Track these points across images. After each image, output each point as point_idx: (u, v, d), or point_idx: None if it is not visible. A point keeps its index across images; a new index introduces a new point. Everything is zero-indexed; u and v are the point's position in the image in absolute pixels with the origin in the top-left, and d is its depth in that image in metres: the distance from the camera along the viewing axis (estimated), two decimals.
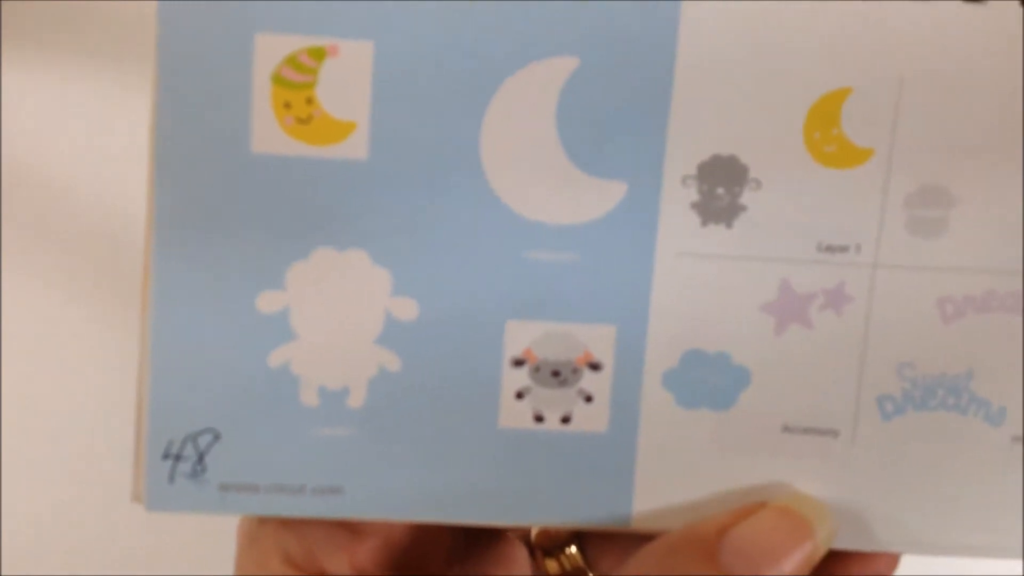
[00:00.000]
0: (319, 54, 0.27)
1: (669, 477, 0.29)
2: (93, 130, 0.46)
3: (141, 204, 0.45)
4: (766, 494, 0.29)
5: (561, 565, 0.37)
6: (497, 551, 0.36)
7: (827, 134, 0.28)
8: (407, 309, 0.28)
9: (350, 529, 0.31)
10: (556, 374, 0.29)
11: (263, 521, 0.31)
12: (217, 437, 0.28)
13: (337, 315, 0.28)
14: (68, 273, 0.49)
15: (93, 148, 0.47)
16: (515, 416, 0.29)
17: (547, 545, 0.37)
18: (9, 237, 0.48)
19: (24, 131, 0.47)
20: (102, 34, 0.46)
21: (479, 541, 0.36)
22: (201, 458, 0.28)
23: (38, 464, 0.51)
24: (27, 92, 0.47)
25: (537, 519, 0.29)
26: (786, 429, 0.29)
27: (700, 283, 0.28)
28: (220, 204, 0.27)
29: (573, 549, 0.37)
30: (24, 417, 0.50)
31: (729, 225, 0.28)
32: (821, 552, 0.28)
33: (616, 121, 0.27)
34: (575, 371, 0.29)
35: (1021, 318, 0.28)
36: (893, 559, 0.31)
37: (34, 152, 0.48)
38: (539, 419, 0.29)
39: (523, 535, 0.37)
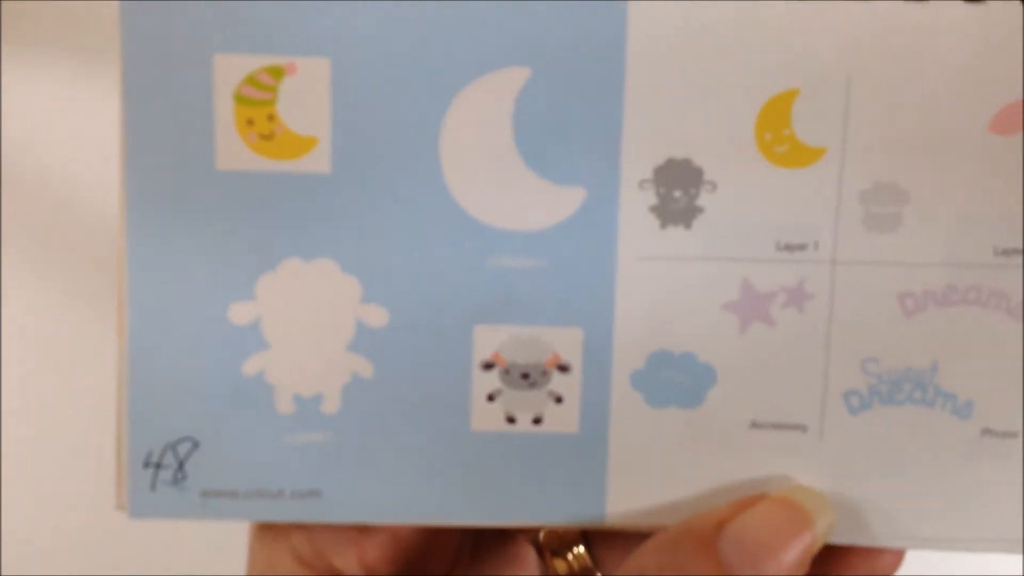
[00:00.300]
0: (278, 72, 0.28)
1: (641, 475, 0.30)
2: (93, 130, 0.47)
3: None
4: (757, 487, 0.29)
5: (569, 565, 0.37)
6: (505, 551, 0.37)
7: (778, 135, 0.28)
8: (377, 316, 0.29)
9: (359, 527, 0.31)
10: (526, 376, 0.29)
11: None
12: (196, 445, 0.29)
13: (308, 323, 0.29)
14: (68, 273, 0.50)
15: (93, 148, 0.48)
16: (487, 418, 0.29)
17: (555, 545, 0.38)
18: (9, 237, 0.49)
19: (24, 131, 0.48)
20: (102, 34, 0.47)
21: (487, 541, 0.36)
22: (181, 466, 0.29)
23: (38, 464, 0.52)
24: (27, 92, 0.48)
25: (512, 519, 0.30)
26: (754, 425, 0.29)
27: (663, 284, 0.29)
28: (189, 219, 0.28)
29: (581, 549, 0.38)
30: (24, 417, 0.51)
31: (688, 227, 0.28)
32: (820, 544, 0.28)
33: (571, 127, 0.28)
34: (544, 373, 0.29)
35: (985, 311, 0.29)
36: (896, 557, 0.31)
37: (34, 152, 0.49)
38: (511, 420, 0.30)
39: (531, 535, 0.38)
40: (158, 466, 0.29)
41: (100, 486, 0.51)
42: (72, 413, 0.51)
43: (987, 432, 0.29)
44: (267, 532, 0.31)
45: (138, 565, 0.52)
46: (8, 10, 0.44)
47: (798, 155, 0.28)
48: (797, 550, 0.28)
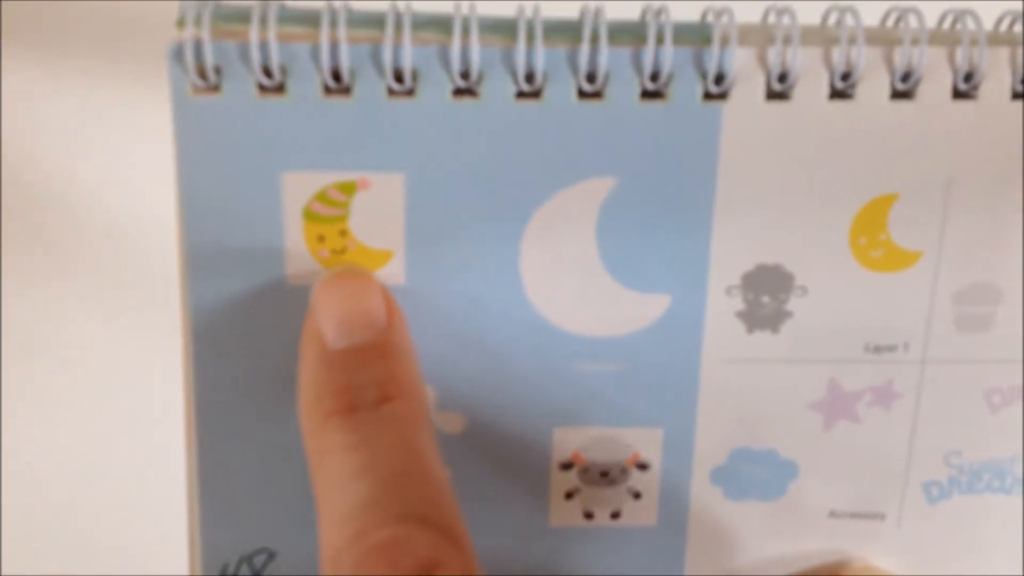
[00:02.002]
0: (350, 188, 0.26)
1: (719, 564, 0.30)
2: (93, 130, 0.45)
3: (142, 204, 0.45)
4: (836, 569, 0.30)
5: None
6: None
7: (874, 239, 0.27)
8: (453, 423, 0.28)
9: None
10: (605, 475, 0.29)
11: None
12: (272, 556, 0.28)
13: None
14: (68, 273, 0.48)
15: (93, 148, 0.46)
16: (565, 515, 0.29)
17: None
18: (9, 237, 0.47)
19: (24, 131, 0.46)
20: (102, 34, 0.45)
21: None
22: None
23: (38, 464, 0.52)
24: (27, 92, 0.46)
25: None
26: (833, 514, 0.29)
27: (747, 386, 0.28)
28: (260, 337, 0.27)
29: None
30: (24, 417, 0.50)
31: (775, 331, 0.28)
32: None
33: (658, 236, 0.27)
34: (623, 471, 0.29)
35: None
36: None
37: (34, 152, 0.47)
38: (589, 516, 0.29)
39: None
40: None
41: (101, 486, 0.50)
42: (72, 413, 0.50)
43: None
44: None
45: (139, 565, 0.52)
46: (8, 10, 0.42)
47: (894, 259, 0.27)
48: None
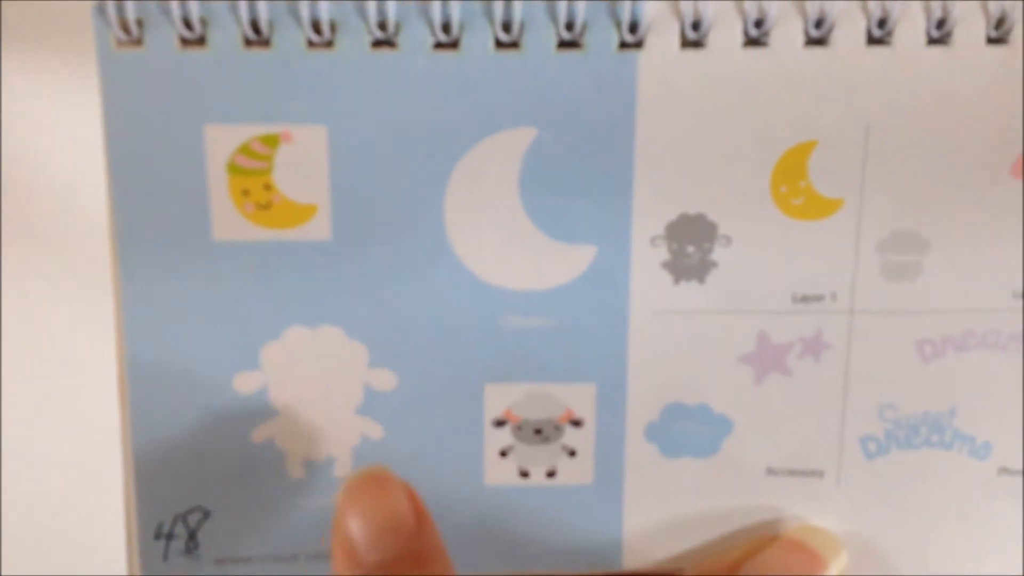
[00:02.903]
0: (272, 141, 0.26)
1: (657, 523, 0.29)
2: (93, 130, 0.46)
3: None
4: (771, 528, 0.29)
5: None
6: None
7: (795, 187, 0.27)
8: (385, 380, 0.28)
9: None
10: (538, 432, 0.29)
11: None
12: (207, 514, 0.29)
13: (316, 390, 0.28)
14: (68, 273, 0.49)
15: (93, 148, 0.47)
16: (500, 473, 0.29)
17: None
18: (9, 237, 0.48)
19: (24, 131, 0.47)
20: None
21: None
22: (193, 535, 0.29)
23: (38, 464, 0.52)
24: (27, 92, 0.47)
25: (529, 569, 0.30)
26: (770, 472, 0.29)
27: (676, 338, 0.28)
28: (188, 292, 0.27)
29: None
30: (24, 417, 0.51)
31: (702, 281, 0.28)
32: None
33: (580, 186, 0.27)
34: (557, 428, 0.29)
35: (1003, 353, 0.28)
36: None
37: (34, 152, 0.48)
38: (524, 475, 0.29)
39: None
40: (170, 536, 0.29)
41: (101, 486, 0.51)
42: (72, 413, 0.50)
43: (1004, 471, 0.29)
44: None
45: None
46: (8, 10, 0.43)
47: (815, 207, 0.27)
48: None
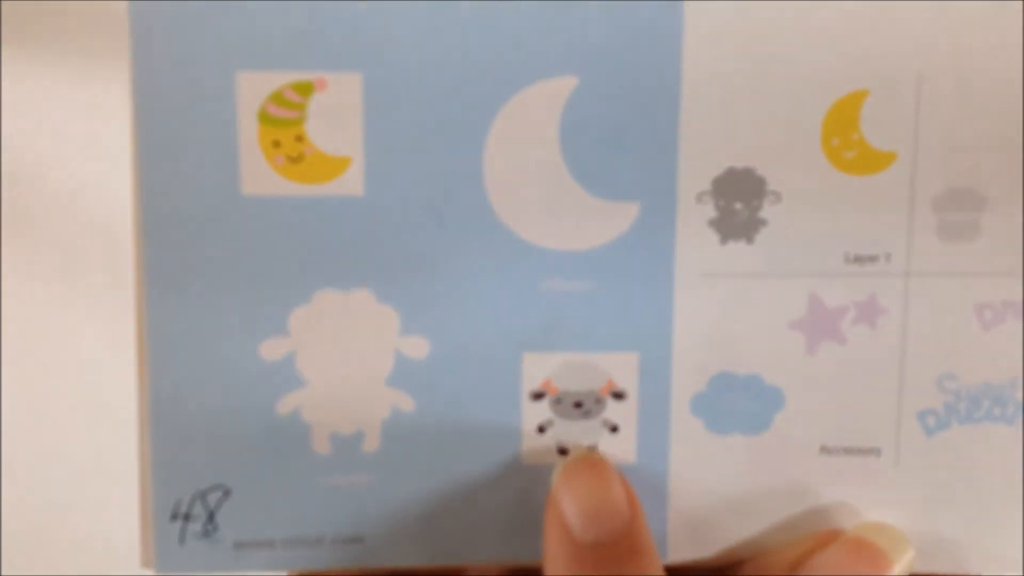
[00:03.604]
0: (306, 88, 0.25)
1: (703, 506, 0.28)
2: (94, 130, 0.46)
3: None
4: (828, 517, 0.28)
5: None
6: None
7: (847, 139, 0.26)
8: (417, 348, 0.27)
9: None
10: (579, 405, 0.27)
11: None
12: (227, 493, 0.27)
13: (345, 358, 0.27)
14: (68, 273, 0.48)
15: (94, 148, 0.46)
16: (538, 451, 0.27)
17: None
18: (9, 237, 0.47)
19: (24, 131, 0.47)
20: (102, 34, 0.45)
21: None
22: (212, 516, 0.27)
23: (38, 464, 0.50)
24: (27, 92, 0.46)
25: None
26: (824, 450, 0.27)
27: (724, 303, 0.27)
28: (213, 251, 0.26)
29: None
30: (24, 417, 0.49)
31: (750, 241, 0.27)
32: None
33: (623, 139, 0.26)
34: (598, 401, 0.27)
35: None
36: None
37: (34, 152, 0.47)
38: (563, 452, 0.28)
39: None
40: (187, 518, 0.27)
41: (101, 486, 0.49)
42: (72, 413, 0.49)
43: None
44: None
45: (139, 565, 0.51)
46: (8, 10, 0.42)
47: (868, 161, 0.26)
48: None
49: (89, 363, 0.48)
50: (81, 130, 0.45)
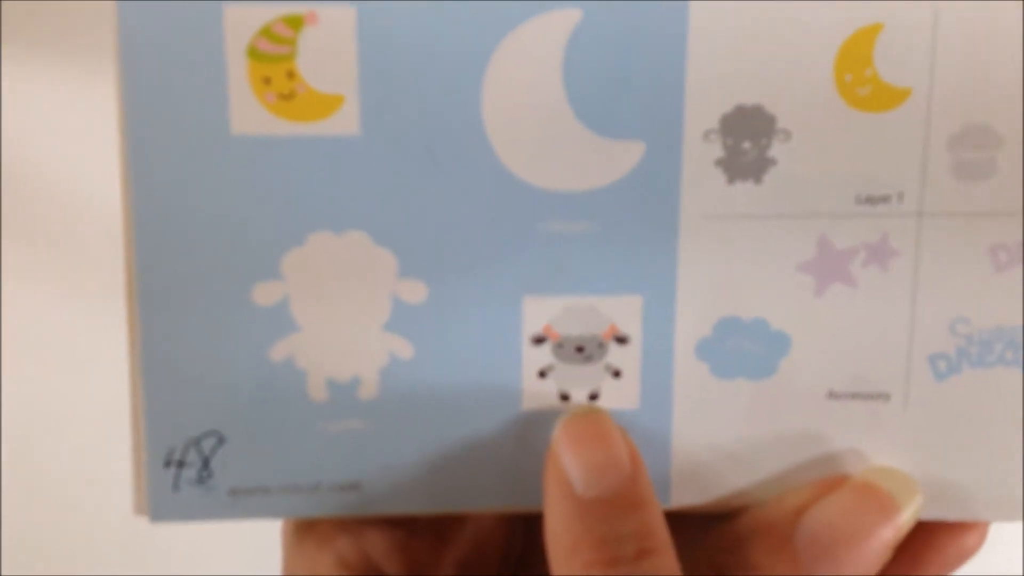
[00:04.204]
0: (296, 23, 0.24)
1: (708, 452, 0.27)
2: (94, 130, 0.45)
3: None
4: (835, 464, 0.27)
5: None
6: None
7: (860, 75, 0.25)
8: (415, 292, 0.26)
9: (405, 528, 0.29)
10: (580, 350, 0.27)
11: (312, 522, 0.29)
12: (221, 440, 0.26)
13: (341, 302, 0.26)
14: (68, 273, 0.48)
15: (94, 148, 0.45)
16: (539, 396, 0.27)
17: None
18: (9, 237, 0.46)
19: (24, 131, 0.46)
20: (103, 33, 0.44)
21: (537, 540, 0.34)
22: (206, 463, 0.26)
23: (38, 464, 0.50)
24: (27, 92, 0.46)
25: None
26: (832, 395, 0.27)
27: (731, 245, 0.26)
28: (203, 193, 0.25)
29: None
30: (24, 417, 0.49)
31: (758, 181, 0.26)
32: (905, 532, 0.26)
33: (628, 75, 0.25)
34: (601, 346, 0.27)
35: None
36: (982, 534, 0.28)
37: (34, 152, 0.46)
38: (565, 398, 0.27)
39: None
40: (181, 464, 0.26)
41: (101, 486, 0.49)
42: (72, 413, 0.49)
43: None
44: (308, 538, 0.29)
45: (139, 565, 0.51)
46: (8, 10, 0.41)
47: (882, 97, 0.25)
48: (880, 542, 0.25)
49: (89, 363, 0.48)
50: (82, 130, 0.44)
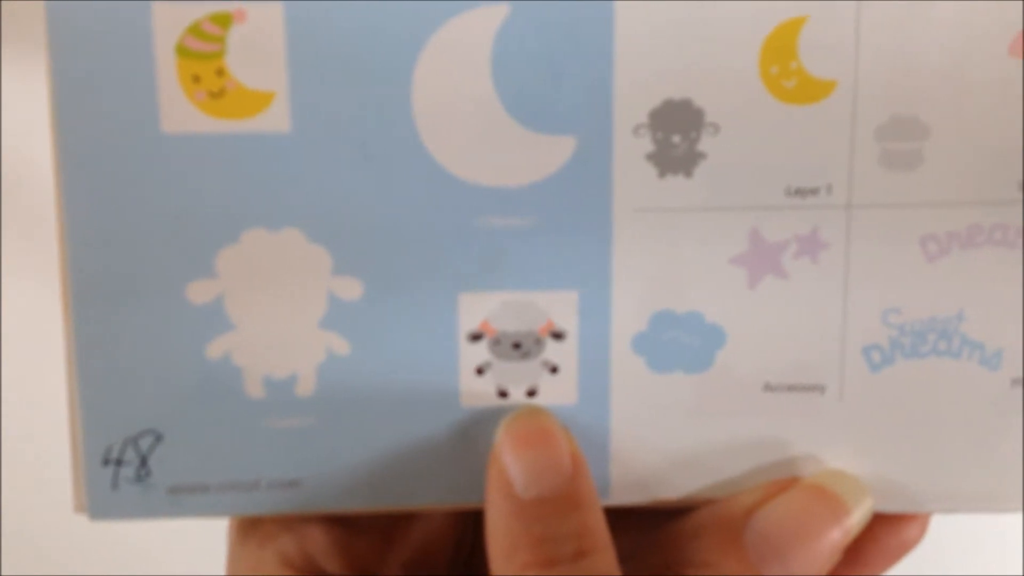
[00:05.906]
0: (225, 20, 0.25)
1: (646, 447, 0.27)
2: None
3: None
4: (772, 454, 0.27)
5: None
6: None
7: (785, 68, 0.25)
8: (350, 288, 0.26)
9: (349, 528, 0.29)
10: (517, 346, 0.27)
11: (256, 520, 0.29)
12: (159, 438, 0.26)
13: (276, 299, 0.26)
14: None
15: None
16: (477, 394, 0.27)
17: None
18: (9, 237, 0.46)
19: (24, 131, 0.46)
20: None
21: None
22: (144, 461, 0.26)
23: (38, 464, 0.50)
24: (27, 92, 0.46)
25: None
26: (768, 388, 0.27)
27: (664, 239, 0.26)
28: (135, 191, 0.25)
29: None
30: (24, 417, 0.49)
31: (689, 175, 0.26)
32: (854, 534, 0.26)
33: (556, 70, 0.25)
34: (538, 341, 0.27)
35: (1013, 252, 0.26)
36: (922, 527, 0.28)
37: (34, 152, 0.47)
38: (503, 395, 0.27)
39: None
40: (119, 463, 0.26)
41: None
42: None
43: (1017, 382, 0.27)
44: (252, 536, 0.29)
45: (140, 564, 0.51)
46: (8, 10, 0.41)
47: (808, 90, 0.25)
48: (829, 543, 0.25)
49: None
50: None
